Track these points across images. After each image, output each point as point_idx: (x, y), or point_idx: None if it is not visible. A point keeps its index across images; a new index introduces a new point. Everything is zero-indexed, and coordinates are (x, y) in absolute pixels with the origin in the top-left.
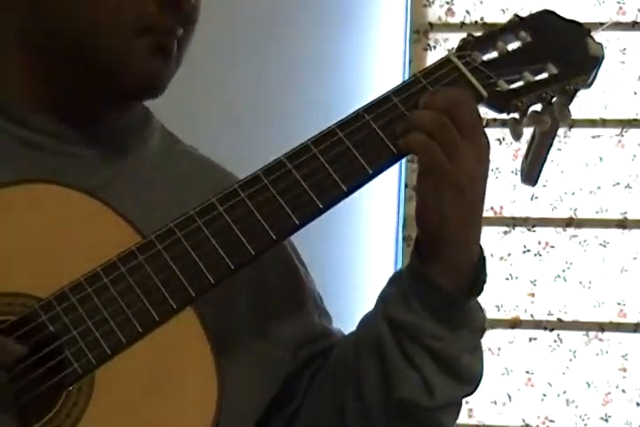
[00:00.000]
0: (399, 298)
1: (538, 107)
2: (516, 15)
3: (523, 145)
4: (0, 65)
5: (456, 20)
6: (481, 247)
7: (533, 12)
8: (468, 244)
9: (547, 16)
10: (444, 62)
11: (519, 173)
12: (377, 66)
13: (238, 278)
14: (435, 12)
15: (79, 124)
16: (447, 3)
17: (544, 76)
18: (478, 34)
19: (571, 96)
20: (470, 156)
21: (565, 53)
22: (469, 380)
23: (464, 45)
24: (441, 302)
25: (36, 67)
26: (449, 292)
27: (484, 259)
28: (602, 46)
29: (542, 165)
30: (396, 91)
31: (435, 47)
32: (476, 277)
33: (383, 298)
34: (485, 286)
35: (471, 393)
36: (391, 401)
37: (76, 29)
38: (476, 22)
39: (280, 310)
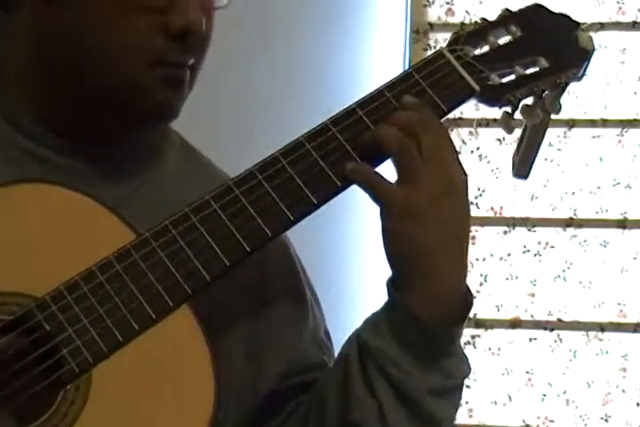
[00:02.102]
0: (372, 322)
1: (529, 100)
2: (507, 9)
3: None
4: (16, 83)
5: (456, 20)
6: (467, 289)
7: (523, 6)
8: (443, 274)
9: (537, 10)
10: (437, 57)
11: (511, 167)
12: (377, 66)
13: (238, 302)
14: (435, 12)
15: (91, 144)
16: (447, 3)
17: (535, 69)
18: (470, 28)
19: (562, 89)
20: (432, 180)
21: (555, 47)
22: (431, 424)
23: (456, 40)
24: (410, 330)
25: (49, 90)
26: (420, 320)
27: (469, 301)
28: (592, 39)
29: (534, 159)
30: (389, 85)
31: (435, 47)
32: (457, 317)
33: (364, 321)
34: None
35: None
36: (345, 423)
37: (89, 60)
38: (475, 22)
39: (274, 338)
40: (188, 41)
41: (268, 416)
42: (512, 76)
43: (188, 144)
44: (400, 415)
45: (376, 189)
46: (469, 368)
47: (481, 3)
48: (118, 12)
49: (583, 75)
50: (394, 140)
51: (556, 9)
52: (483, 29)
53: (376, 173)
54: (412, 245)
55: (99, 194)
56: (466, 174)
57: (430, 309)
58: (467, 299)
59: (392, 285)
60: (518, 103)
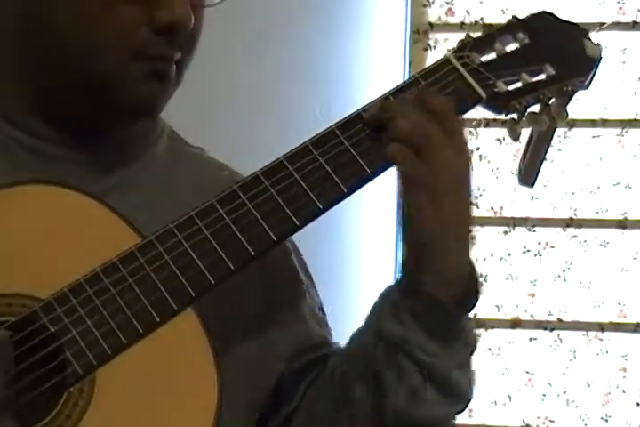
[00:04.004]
0: (390, 311)
1: (536, 108)
2: (514, 16)
3: (523, 145)
4: (5, 78)
5: (456, 20)
6: (471, 262)
7: (531, 13)
8: (454, 253)
9: (544, 17)
10: (443, 63)
11: (517, 175)
12: (377, 66)
13: (240, 287)
14: (435, 12)
15: (84, 133)
16: (447, 3)
17: (542, 77)
18: (476, 35)
19: (568, 97)
20: (451, 162)
21: (563, 55)
22: (459, 397)
23: (462, 46)
24: (432, 314)
25: (37, 81)
26: (441, 302)
27: (475, 272)
28: (599, 47)
29: (540, 167)
30: (396, 91)
31: (435, 47)
32: (469, 290)
33: (374, 311)
34: (483, 291)
35: (461, 411)
36: (381, 414)
37: (74, 52)
38: (476, 22)
39: (278, 321)
40: (174, 36)
41: (280, 403)
42: (518, 84)
43: (176, 134)
44: (434, 396)
45: (408, 166)
46: (475, 335)
47: (481, 3)
48: (103, 3)
49: (590, 83)
50: (397, 155)
51: (556, 9)
52: (490, 36)
53: (407, 151)
54: (431, 223)
55: (93, 182)
56: (469, 158)
57: (447, 288)
58: (473, 271)
59: (407, 268)
60: (525, 110)
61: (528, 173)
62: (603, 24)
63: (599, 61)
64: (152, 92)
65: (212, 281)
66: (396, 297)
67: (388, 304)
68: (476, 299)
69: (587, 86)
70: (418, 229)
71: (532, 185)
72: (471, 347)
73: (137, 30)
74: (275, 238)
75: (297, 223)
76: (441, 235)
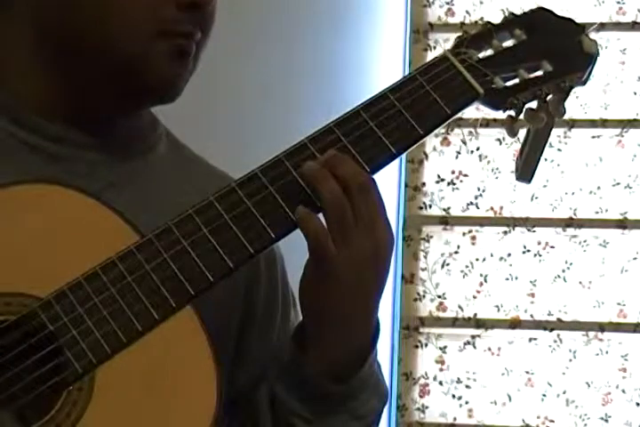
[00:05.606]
0: (280, 369)
1: (533, 104)
2: (511, 13)
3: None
4: (13, 78)
5: (456, 20)
6: (373, 337)
7: (528, 9)
8: (346, 333)
9: (541, 13)
10: (441, 60)
11: (514, 171)
12: (377, 66)
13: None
14: (435, 12)
15: (88, 130)
16: (447, 3)
17: (539, 73)
18: (474, 31)
19: (566, 93)
20: (360, 248)
21: (560, 51)
22: None
23: (460, 43)
24: (303, 386)
25: (51, 68)
26: (310, 376)
27: (374, 345)
28: (596, 43)
29: (537, 162)
30: (393, 88)
31: (435, 47)
32: (360, 365)
33: (277, 363)
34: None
35: None
36: None
37: (97, 33)
38: (476, 22)
39: (255, 335)
40: (197, 12)
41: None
42: (516, 80)
43: (175, 138)
44: None
45: (316, 244)
46: (383, 395)
47: (481, 3)
48: None
49: (587, 79)
50: (333, 196)
51: (556, 9)
52: (487, 32)
53: (322, 226)
54: (323, 302)
55: (93, 181)
56: (393, 236)
57: (331, 367)
58: (368, 350)
59: (296, 337)
60: (522, 107)
61: (526, 170)
62: (602, 24)
63: (596, 57)
64: (175, 70)
65: (212, 279)
66: (287, 358)
67: (283, 361)
68: (366, 367)
69: (584, 82)
70: (308, 301)
71: (529, 181)
72: (364, 420)
73: (163, 8)
74: (274, 236)
75: (295, 220)
76: (331, 313)
